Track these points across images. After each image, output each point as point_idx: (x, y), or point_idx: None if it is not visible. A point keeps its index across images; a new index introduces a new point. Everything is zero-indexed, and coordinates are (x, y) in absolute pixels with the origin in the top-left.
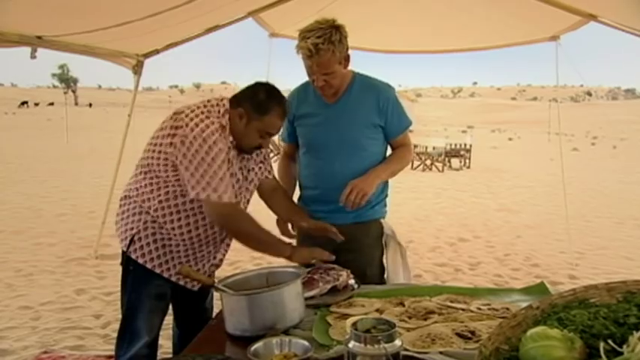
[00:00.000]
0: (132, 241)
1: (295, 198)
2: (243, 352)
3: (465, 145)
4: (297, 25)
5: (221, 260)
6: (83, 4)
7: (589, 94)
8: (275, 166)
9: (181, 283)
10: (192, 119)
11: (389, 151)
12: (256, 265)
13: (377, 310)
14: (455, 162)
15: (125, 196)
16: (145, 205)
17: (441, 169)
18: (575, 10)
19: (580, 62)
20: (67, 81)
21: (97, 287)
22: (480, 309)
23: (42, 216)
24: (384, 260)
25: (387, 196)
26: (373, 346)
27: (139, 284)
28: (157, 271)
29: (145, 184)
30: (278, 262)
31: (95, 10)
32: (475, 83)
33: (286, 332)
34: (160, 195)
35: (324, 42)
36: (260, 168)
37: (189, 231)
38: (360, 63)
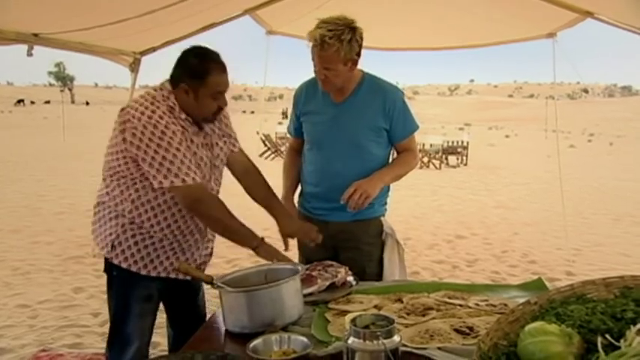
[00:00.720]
0: (112, 246)
1: (296, 195)
2: (243, 348)
3: (462, 142)
4: (294, 23)
5: (212, 249)
6: (80, 1)
7: (585, 91)
8: (277, 165)
9: (172, 276)
10: (137, 109)
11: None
12: (255, 262)
13: (375, 307)
14: (452, 159)
15: (98, 203)
16: (119, 208)
17: (438, 166)
18: (571, 7)
19: (577, 59)
20: (63, 79)
21: (95, 285)
22: (477, 305)
23: (39, 214)
24: (383, 257)
25: (388, 195)
26: (372, 342)
27: (125, 289)
28: (143, 272)
29: (114, 188)
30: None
31: (92, 7)
32: (472, 81)
33: (285, 329)
34: (130, 195)
35: (332, 36)
36: (225, 142)
37: (169, 225)
38: (357, 66)
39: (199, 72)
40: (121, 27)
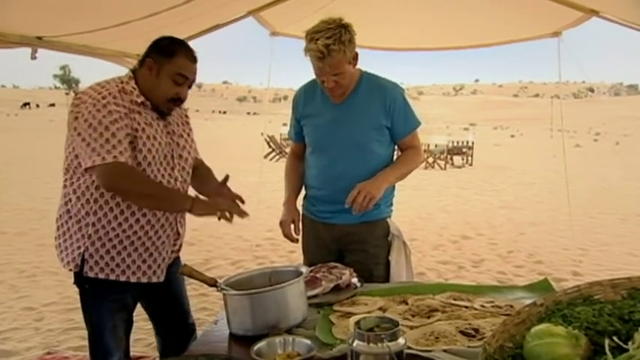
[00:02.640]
0: (83, 260)
1: (301, 197)
2: (247, 351)
3: (467, 142)
4: (299, 24)
5: (181, 244)
6: (83, 4)
7: (591, 90)
8: (282, 166)
9: (154, 280)
10: (86, 94)
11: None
12: (260, 264)
13: (380, 309)
14: (457, 159)
15: (60, 216)
16: (82, 213)
17: (443, 166)
18: (577, 5)
19: (582, 58)
20: (68, 82)
21: None
22: (483, 306)
23: (45, 217)
24: (390, 259)
25: (393, 195)
26: (377, 345)
27: (98, 302)
28: (122, 279)
29: (73, 190)
30: (281, 262)
31: (95, 10)
32: (477, 80)
33: (289, 331)
34: (92, 193)
35: (334, 42)
36: (187, 140)
37: (138, 220)
38: (361, 61)
39: (169, 50)
40: (125, 29)
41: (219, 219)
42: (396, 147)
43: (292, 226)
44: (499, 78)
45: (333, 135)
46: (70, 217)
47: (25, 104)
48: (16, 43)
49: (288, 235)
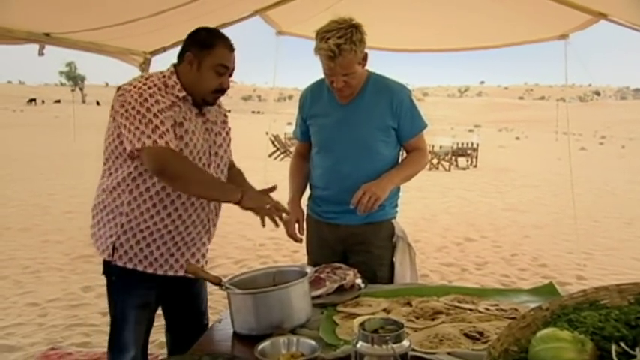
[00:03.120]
0: (114, 248)
1: (305, 197)
2: (251, 350)
3: (472, 144)
4: (305, 23)
5: (209, 241)
6: (90, 1)
7: (597, 93)
8: (286, 165)
9: (180, 273)
10: (130, 84)
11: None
12: (263, 263)
13: (384, 310)
14: (462, 161)
15: (95, 205)
16: (117, 202)
17: (447, 168)
18: (585, 8)
19: (588, 61)
20: (74, 78)
21: (104, 284)
22: (488, 309)
23: (49, 213)
24: (394, 260)
25: (399, 197)
26: (381, 347)
27: (123, 295)
28: (149, 270)
29: (111, 181)
30: (285, 261)
31: (102, 7)
32: (482, 82)
33: (293, 331)
34: (128, 185)
35: (346, 42)
36: (225, 139)
37: (169, 214)
38: (368, 61)
39: (207, 42)
40: (132, 27)
41: (263, 223)
42: (401, 148)
43: (296, 225)
44: (504, 80)
45: (339, 135)
46: (105, 207)
47: (31, 100)
48: (23, 40)
49: (292, 235)
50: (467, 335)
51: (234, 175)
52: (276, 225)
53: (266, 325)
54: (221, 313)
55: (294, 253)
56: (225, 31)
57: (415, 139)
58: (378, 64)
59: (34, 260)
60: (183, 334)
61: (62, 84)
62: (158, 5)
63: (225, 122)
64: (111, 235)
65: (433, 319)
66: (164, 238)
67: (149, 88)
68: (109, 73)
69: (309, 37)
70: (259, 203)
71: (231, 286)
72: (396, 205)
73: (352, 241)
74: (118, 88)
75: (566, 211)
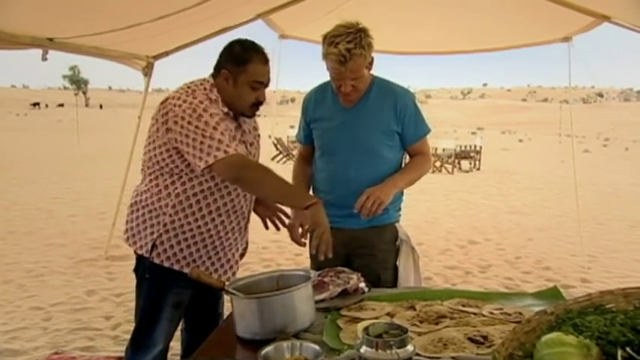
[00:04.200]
0: (154, 246)
1: None
2: (254, 355)
3: (475, 146)
4: (307, 27)
5: (245, 248)
6: (94, 6)
7: (601, 95)
8: (289, 168)
9: (214, 276)
10: (178, 98)
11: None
12: (266, 266)
13: (388, 314)
14: (465, 164)
15: (135, 202)
16: (161, 204)
17: (450, 170)
18: (588, 11)
19: (592, 63)
20: (77, 82)
21: (108, 288)
22: (492, 313)
23: (53, 217)
24: (397, 264)
25: (402, 200)
26: (385, 352)
27: (158, 292)
28: (186, 270)
29: (156, 184)
30: (288, 265)
31: (105, 12)
32: (485, 84)
33: (297, 336)
34: (176, 189)
35: (355, 46)
36: (257, 148)
37: (213, 219)
38: (373, 65)
39: (241, 58)
40: (135, 31)
41: (266, 226)
42: (404, 152)
43: (300, 230)
44: (507, 82)
45: (342, 139)
46: (146, 206)
47: (35, 104)
48: (27, 45)
49: (295, 239)
50: (471, 339)
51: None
52: (278, 229)
53: (270, 329)
54: (224, 317)
55: (297, 257)
56: (227, 34)
57: (419, 144)
58: (381, 66)
59: (38, 264)
60: (200, 335)
61: (65, 88)
62: (161, 10)
63: (256, 129)
64: (152, 233)
65: (437, 324)
66: (205, 241)
67: (201, 102)
68: (112, 77)
69: (312, 41)
70: (316, 222)
71: (234, 290)
72: (400, 209)
73: (355, 244)
74: (163, 101)
75: (570, 213)
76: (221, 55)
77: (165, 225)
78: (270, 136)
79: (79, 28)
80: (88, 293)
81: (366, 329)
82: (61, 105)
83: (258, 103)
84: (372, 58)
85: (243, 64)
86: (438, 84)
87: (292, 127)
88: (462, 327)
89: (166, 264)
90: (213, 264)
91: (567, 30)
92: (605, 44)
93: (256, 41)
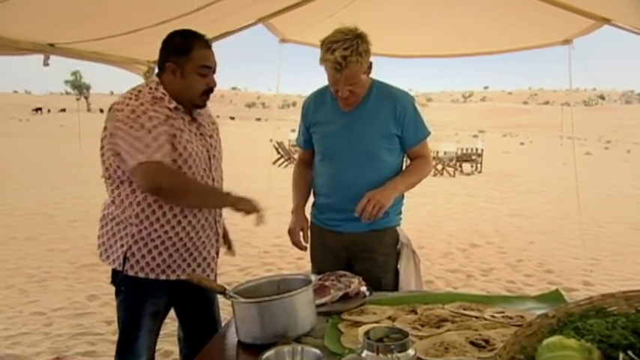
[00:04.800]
0: (125, 259)
1: (309, 205)
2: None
3: (477, 149)
4: (307, 31)
5: (216, 249)
6: (94, 12)
7: (602, 97)
8: (290, 172)
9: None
10: (122, 103)
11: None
12: (267, 270)
13: (389, 318)
14: (466, 167)
15: (104, 216)
16: (126, 214)
17: (452, 173)
18: (588, 13)
19: (593, 65)
20: (79, 87)
21: (109, 293)
22: (493, 317)
23: (54, 222)
24: (398, 268)
25: (402, 204)
26: (386, 356)
27: (136, 304)
28: (162, 277)
29: (119, 194)
30: (289, 268)
31: (106, 17)
32: (486, 87)
33: (298, 340)
34: (137, 197)
35: (352, 53)
36: (217, 140)
37: (179, 222)
38: (372, 70)
39: (184, 47)
40: (136, 36)
41: (244, 215)
42: (405, 155)
43: (301, 233)
44: (508, 85)
45: (342, 143)
46: (114, 218)
47: (37, 109)
48: (29, 50)
49: (296, 243)
50: (472, 343)
51: None
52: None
53: (271, 334)
54: (225, 321)
55: (298, 261)
56: (228, 39)
57: (419, 147)
58: (382, 70)
59: (40, 269)
60: (197, 342)
61: (67, 93)
62: (161, 15)
63: (214, 123)
64: (122, 246)
65: (438, 327)
66: (176, 245)
67: (141, 104)
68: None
69: (312, 45)
70: (253, 205)
71: (235, 294)
72: (400, 212)
73: (356, 248)
74: (110, 108)
75: (572, 216)
76: (162, 50)
77: (133, 236)
78: (271, 140)
79: (80, 34)
80: (90, 298)
81: (367, 333)
82: (63, 110)
83: (208, 90)
84: (371, 63)
85: (186, 52)
86: (439, 87)
87: (293, 130)
88: (463, 331)
89: (141, 275)
90: (189, 265)
91: (568, 33)
92: (606, 47)
93: (257, 45)
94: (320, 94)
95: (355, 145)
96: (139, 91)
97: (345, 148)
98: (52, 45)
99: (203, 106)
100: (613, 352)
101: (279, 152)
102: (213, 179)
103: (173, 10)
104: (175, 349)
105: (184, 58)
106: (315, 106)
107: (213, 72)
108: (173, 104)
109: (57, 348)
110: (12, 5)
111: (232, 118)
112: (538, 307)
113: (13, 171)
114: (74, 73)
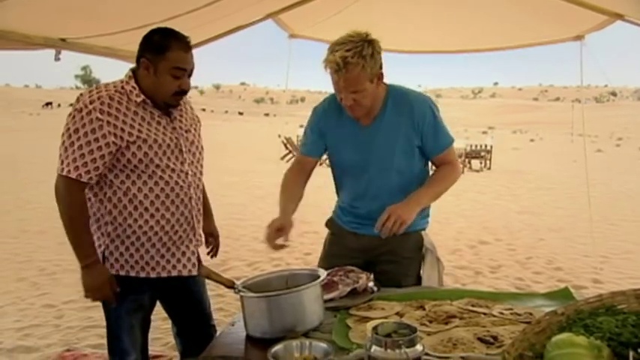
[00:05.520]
0: (104, 258)
1: (310, 206)
2: (263, 354)
3: (486, 146)
4: (317, 27)
5: (199, 239)
6: (105, 7)
7: (614, 94)
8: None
9: (174, 274)
10: (80, 100)
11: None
12: (276, 266)
13: (397, 314)
14: (475, 163)
15: None
16: (99, 214)
17: (461, 170)
18: (601, 9)
19: (605, 62)
20: (89, 82)
21: None
22: (502, 313)
23: None
24: (421, 274)
25: (429, 206)
26: (394, 351)
27: (119, 302)
28: (142, 275)
29: (93, 193)
30: (297, 264)
31: (117, 12)
32: (496, 84)
33: (306, 335)
34: (106, 194)
35: (353, 55)
36: (196, 135)
37: (152, 215)
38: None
39: (160, 46)
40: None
41: None
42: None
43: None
44: (519, 81)
45: (364, 159)
46: (90, 217)
47: (47, 104)
48: (40, 45)
49: (274, 246)
50: (481, 340)
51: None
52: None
53: (279, 328)
54: (234, 315)
55: (306, 256)
56: (237, 34)
57: (442, 155)
58: (391, 66)
59: (51, 262)
60: (192, 338)
61: (77, 87)
62: (171, 10)
63: (194, 119)
64: (99, 246)
65: (447, 323)
66: (152, 240)
67: (91, 103)
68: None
69: (322, 40)
70: (89, 286)
71: (244, 289)
72: (427, 215)
73: (377, 252)
74: (77, 101)
75: (582, 214)
76: (140, 45)
77: (109, 235)
78: (279, 136)
79: (91, 29)
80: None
81: (375, 328)
82: (72, 105)
83: (181, 92)
84: (380, 73)
85: (162, 51)
86: (449, 83)
87: (302, 126)
88: (471, 327)
89: (122, 272)
90: (168, 262)
91: (580, 28)
92: (618, 43)
93: (266, 41)
94: (336, 107)
95: (377, 160)
96: (106, 85)
97: (366, 164)
98: (63, 40)
99: (176, 105)
100: (623, 350)
101: (287, 147)
102: (187, 173)
103: (183, 6)
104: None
105: (159, 56)
106: (328, 115)
107: (189, 75)
108: (141, 98)
109: (67, 340)
110: (24, 0)
111: (241, 114)
112: (547, 305)
113: (24, 165)
114: (84, 68)
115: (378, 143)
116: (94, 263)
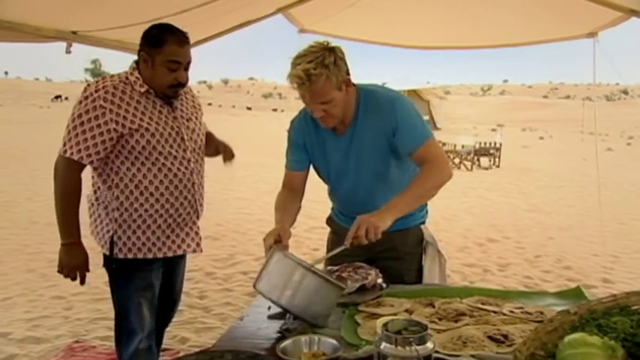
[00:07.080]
0: (113, 243)
1: (316, 201)
2: (272, 349)
3: (495, 143)
4: (327, 21)
5: (198, 225)
6: (116, 0)
7: (625, 92)
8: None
9: (179, 252)
10: (88, 89)
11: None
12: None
13: (406, 311)
14: (484, 161)
15: (91, 205)
16: (107, 199)
17: (469, 167)
18: (615, 5)
19: (616, 59)
20: (99, 76)
21: None
22: (512, 312)
23: None
24: (423, 267)
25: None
26: (404, 348)
27: (125, 281)
28: (149, 256)
29: (101, 179)
30: (304, 259)
31: (128, 6)
32: (505, 81)
33: (314, 331)
34: (113, 180)
35: (315, 67)
36: (197, 123)
37: (157, 200)
38: (390, 59)
39: (157, 40)
40: None
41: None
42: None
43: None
44: (528, 78)
45: (345, 167)
46: (99, 204)
47: (57, 97)
48: (51, 37)
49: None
50: (491, 338)
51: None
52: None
53: (292, 302)
54: (242, 310)
55: (314, 252)
56: (247, 29)
57: (419, 151)
58: (401, 62)
59: None
60: (160, 309)
61: (87, 81)
62: (182, 4)
63: (194, 107)
64: (108, 231)
65: (456, 321)
66: (157, 222)
67: (96, 91)
68: None
69: (332, 35)
70: (63, 263)
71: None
72: (424, 209)
73: (378, 249)
74: (85, 90)
75: (592, 212)
76: (141, 39)
77: (116, 220)
78: (287, 131)
79: (102, 22)
80: (108, 283)
81: (385, 325)
82: None
83: (177, 85)
84: (347, 79)
85: (158, 45)
86: (458, 80)
87: None
88: (481, 325)
89: (130, 256)
90: (173, 242)
91: (593, 25)
92: (631, 40)
93: (276, 36)
94: (310, 120)
95: (359, 168)
96: (112, 76)
97: (349, 172)
98: (74, 32)
99: (174, 97)
100: (638, 351)
101: None
102: (189, 160)
103: (193, 0)
104: (192, 335)
105: (156, 50)
106: (304, 128)
107: (185, 69)
108: (144, 88)
109: (76, 332)
110: None
111: (249, 109)
112: (558, 304)
113: (33, 157)
114: (94, 62)
115: (356, 150)
116: (75, 244)
